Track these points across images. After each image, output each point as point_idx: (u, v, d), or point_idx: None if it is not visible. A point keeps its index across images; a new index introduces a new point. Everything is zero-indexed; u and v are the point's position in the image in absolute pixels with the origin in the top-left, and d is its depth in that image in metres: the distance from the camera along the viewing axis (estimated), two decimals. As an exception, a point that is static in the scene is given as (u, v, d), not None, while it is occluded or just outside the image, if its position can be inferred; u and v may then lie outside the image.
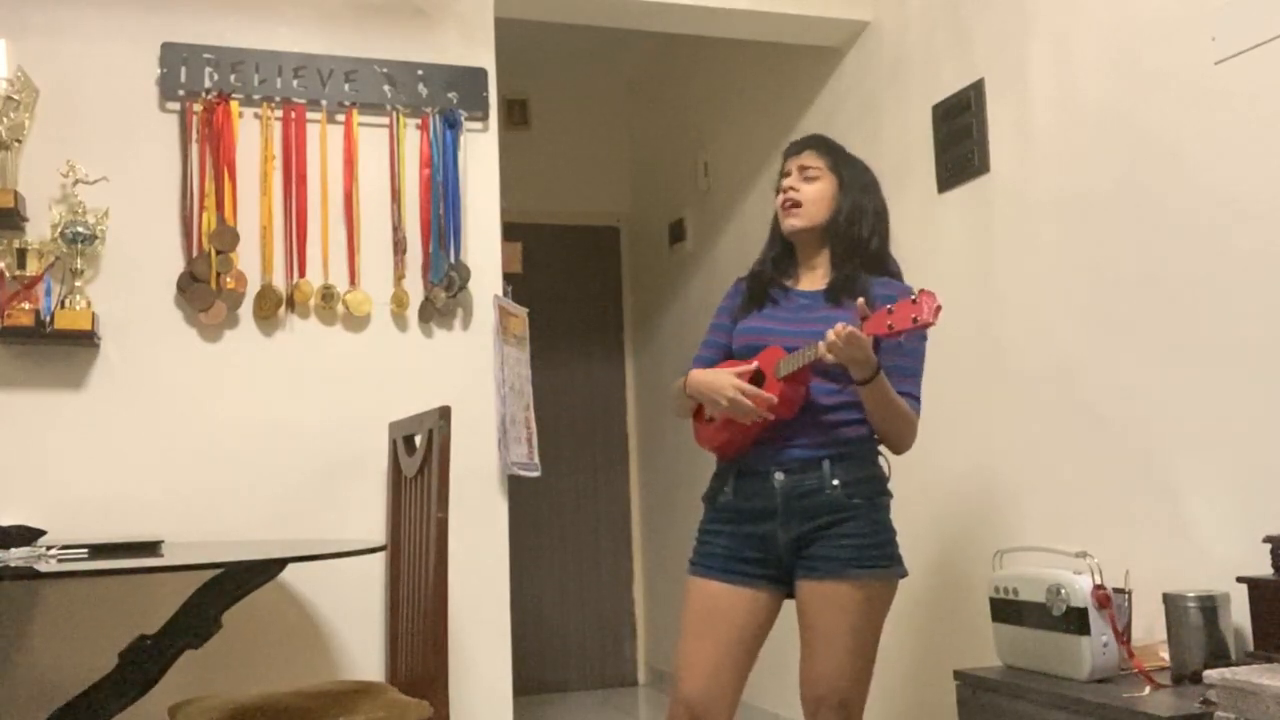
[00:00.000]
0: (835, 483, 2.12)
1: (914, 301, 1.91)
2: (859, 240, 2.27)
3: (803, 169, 2.30)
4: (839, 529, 2.11)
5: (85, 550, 2.15)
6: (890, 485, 2.27)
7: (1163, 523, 2.41)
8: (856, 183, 2.31)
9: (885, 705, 3.43)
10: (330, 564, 2.90)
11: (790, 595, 2.21)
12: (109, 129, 2.89)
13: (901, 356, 2.19)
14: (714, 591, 2.17)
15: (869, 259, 2.27)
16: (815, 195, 2.28)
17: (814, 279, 2.31)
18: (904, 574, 2.18)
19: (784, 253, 2.36)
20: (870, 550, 2.12)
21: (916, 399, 2.22)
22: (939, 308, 1.90)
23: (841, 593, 2.10)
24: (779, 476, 2.14)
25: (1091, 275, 2.63)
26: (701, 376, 2.19)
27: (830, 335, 1.98)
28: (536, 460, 3.21)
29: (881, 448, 2.26)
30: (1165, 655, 2.20)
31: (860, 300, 2.01)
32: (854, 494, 2.13)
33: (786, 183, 2.31)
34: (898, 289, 2.25)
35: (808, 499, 2.13)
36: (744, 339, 2.26)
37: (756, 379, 2.14)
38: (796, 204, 2.28)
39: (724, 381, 2.12)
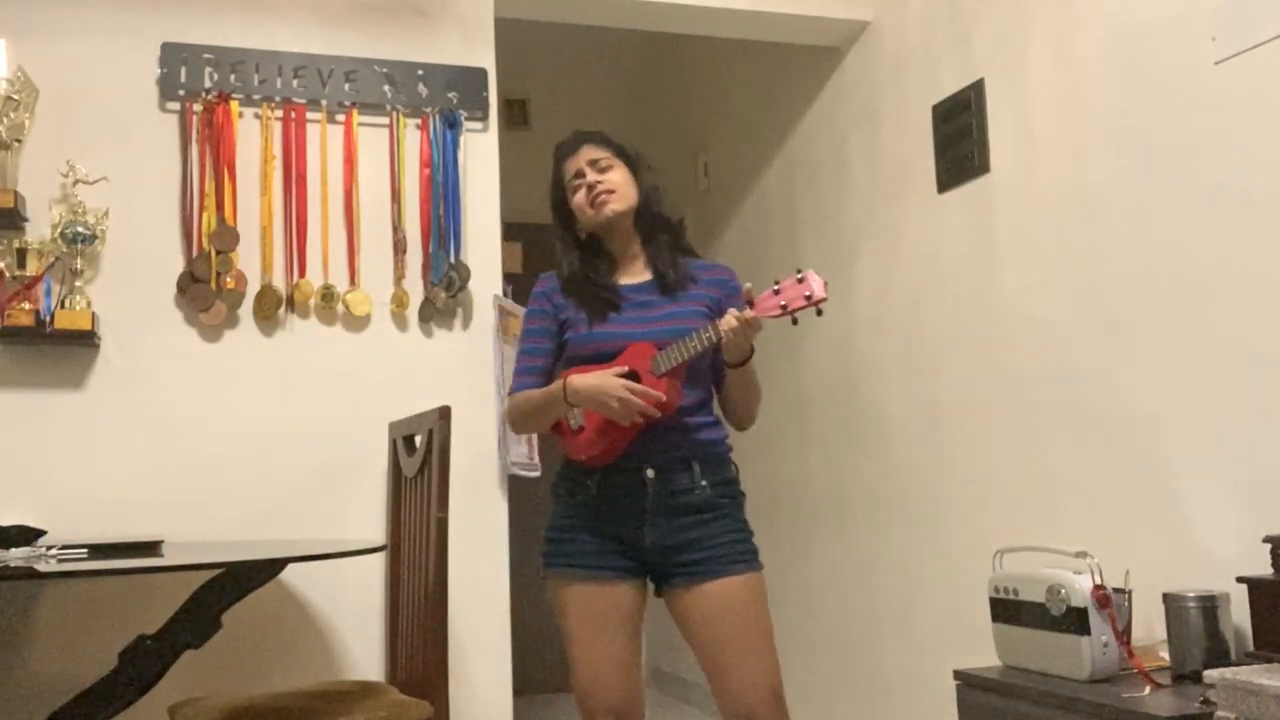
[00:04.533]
0: (704, 483, 2.11)
1: (800, 280, 1.94)
2: (664, 217, 2.27)
3: (593, 162, 2.23)
4: (709, 529, 2.10)
5: (85, 550, 2.15)
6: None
7: (1163, 523, 2.41)
8: (643, 163, 2.28)
9: (885, 705, 3.43)
10: (330, 564, 2.90)
11: (655, 589, 2.18)
12: (109, 129, 2.89)
13: None
14: (593, 592, 2.11)
15: (674, 234, 2.27)
16: (621, 180, 2.22)
17: (633, 271, 2.25)
18: (762, 567, 2.16)
19: (589, 253, 2.27)
20: (741, 545, 2.11)
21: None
22: (826, 283, 1.95)
23: (734, 589, 2.07)
24: (649, 473, 2.10)
25: (1091, 275, 2.63)
26: (585, 380, 2.05)
27: (731, 322, 1.98)
28: (537, 460, 3.21)
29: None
30: (1165, 655, 2.20)
31: (747, 285, 2.03)
32: (721, 494, 2.13)
33: (588, 180, 2.23)
34: (721, 269, 2.29)
35: (679, 497, 2.10)
36: (600, 344, 2.15)
37: (631, 378, 2.07)
38: (609, 191, 2.20)
39: (611, 383, 2.02)
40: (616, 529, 2.12)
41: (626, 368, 2.08)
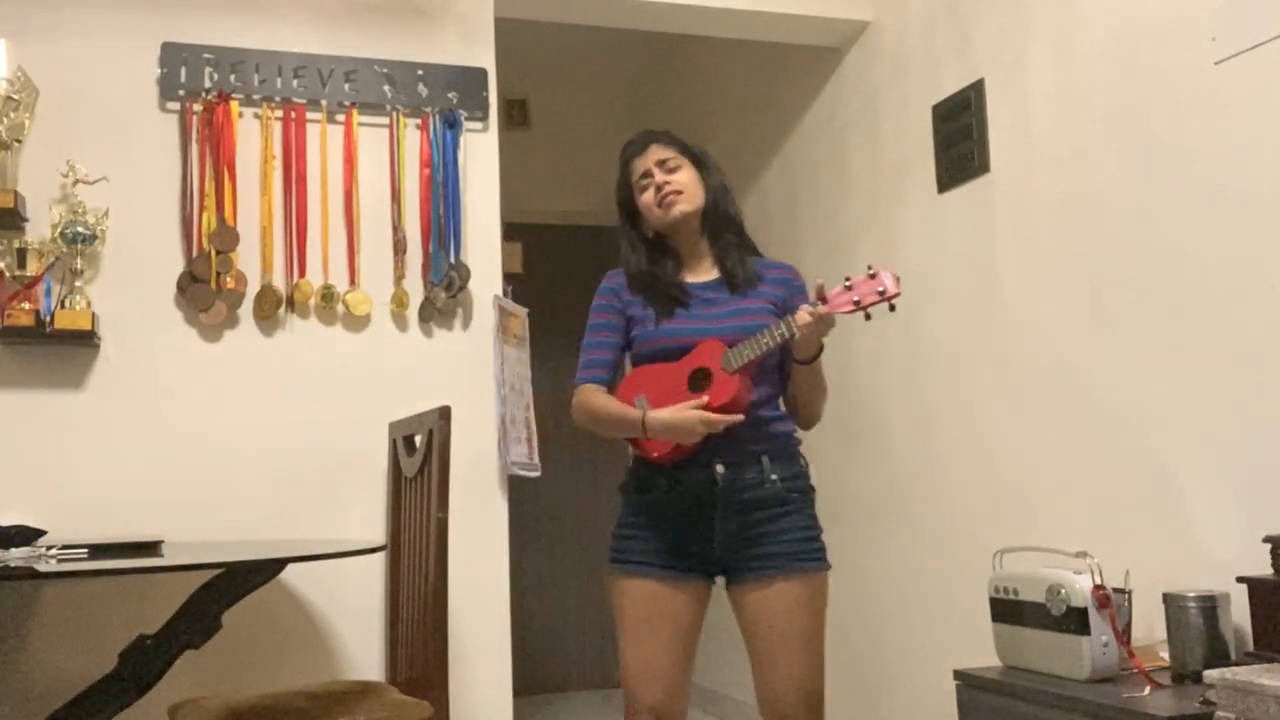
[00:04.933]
0: (774, 477, 2.12)
1: (872, 276, 1.97)
2: (731, 217, 2.28)
3: (661, 162, 2.24)
4: (779, 524, 2.11)
5: (85, 550, 2.14)
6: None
7: (1163, 523, 2.41)
8: (710, 163, 2.30)
9: (885, 705, 3.43)
10: (330, 564, 2.90)
11: (714, 582, 2.20)
12: (109, 129, 2.89)
13: None
14: (654, 591, 2.13)
15: (740, 233, 2.29)
16: (688, 180, 2.24)
17: (700, 269, 2.27)
18: (830, 567, 2.18)
19: (656, 252, 2.29)
20: (811, 543, 2.13)
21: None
22: (898, 278, 1.97)
23: (794, 590, 2.09)
24: (719, 469, 2.11)
25: (1091, 275, 2.63)
26: (662, 419, 2.06)
27: (805, 318, 2.01)
28: (536, 460, 3.21)
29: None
30: (1165, 655, 2.20)
31: (819, 281, 2.06)
32: (791, 489, 2.14)
33: (656, 180, 2.23)
34: (785, 268, 2.31)
35: (749, 492, 2.11)
36: (666, 340, 2.17)
37: (701, 375, 2.11)
38: (678, 191, 2.22)
39: (690, 419, 2.03)
40: (685, 527, 2.14)
41: (694, 367, 2.11)
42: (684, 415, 2.05)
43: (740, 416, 2.05)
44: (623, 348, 2.26)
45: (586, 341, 2.28)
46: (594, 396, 2.22)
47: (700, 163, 2.29)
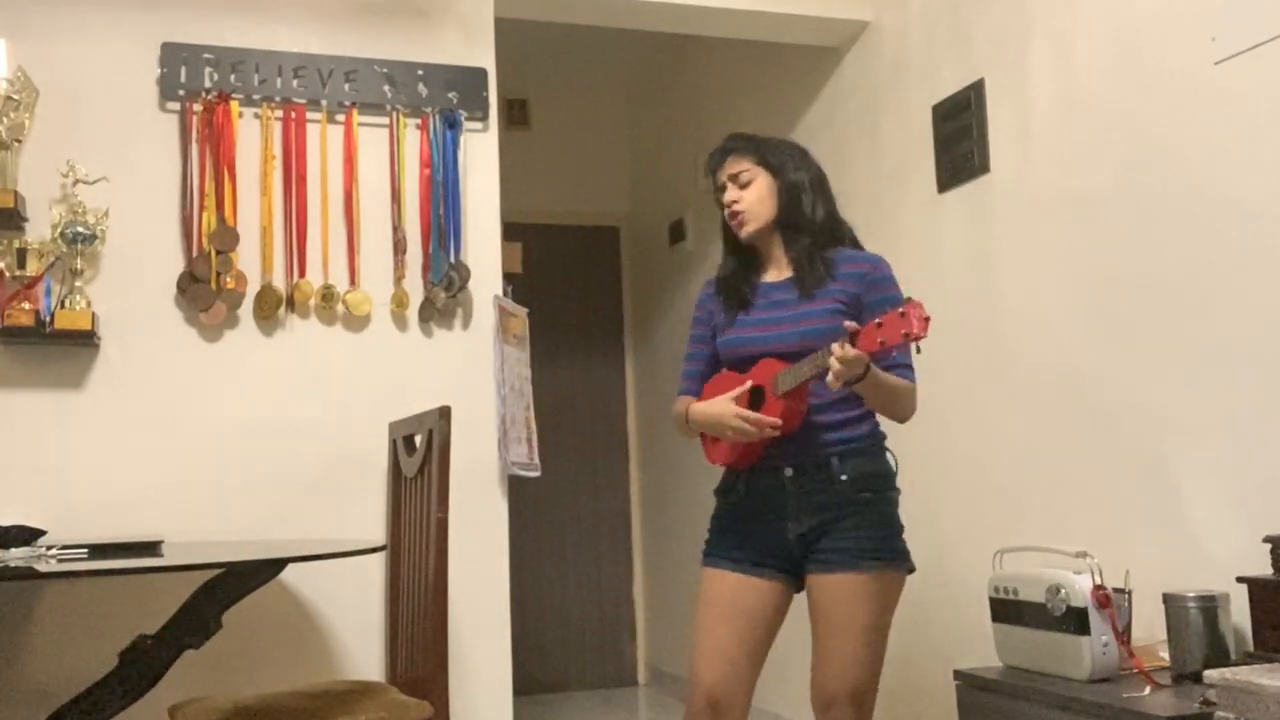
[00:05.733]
0: (843, 478, 2.15)
1: (902, 315, 1.91)
2: (803, 218, 2.28)
3: (733, 177, 2.28)
4: (847, 522, 2.15)
5: (85, 550, 2.15)
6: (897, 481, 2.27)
7: (1163, 523, 2.41)
8: (787, 164, 2.30)
9: (885, 705, 3.43)
10: (330, 564, 2.90)
11: (799, 589, 2.24)
12: (109, 129, 2.89)
13: None
14: (731, 582, 2.20)
15: (820, 231, 2.28)
16: (755, 197, 2.27)
17: (778, 269, 2.32)
18: (911, 569, 2.21)
19: (744, 255, 2.35)
20: (878, 543, 2.15)
21: (909, 367, 2.22)
22: (927, 319, 1.87)
23: (853, 584, 2.12)
24: (788, 473, 2.18)
25: (1091, 275, 2.63)
26: (703, 410, 2.19)
27: (835, 364, 1.95)
28: (536, 460, 3.21)
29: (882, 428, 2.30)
30: (1165, 655, 2.20)
31: (847, 322, 1.99)
32: (862, 489, 2.16)
33: (726, 197, 2.29)
34: (863, 260, 2.26)
35: (818, 494, 2.16)
36: (732, 350, 2.27)
37: (756, 395, 2.17)
38: (743, 211, 2.27)
39: (725, 412, 2.13)
40: (761, 528, 2.21)
41: (750, 384, 2.17)
42: (722, 412, 2.13)
43: (776, 434, 2.10)
44: (714, 357, 2.35)
45: (684, 354, 2.40)
46: (679, 405, 2.34)
47: (775, 167, 2.29)
